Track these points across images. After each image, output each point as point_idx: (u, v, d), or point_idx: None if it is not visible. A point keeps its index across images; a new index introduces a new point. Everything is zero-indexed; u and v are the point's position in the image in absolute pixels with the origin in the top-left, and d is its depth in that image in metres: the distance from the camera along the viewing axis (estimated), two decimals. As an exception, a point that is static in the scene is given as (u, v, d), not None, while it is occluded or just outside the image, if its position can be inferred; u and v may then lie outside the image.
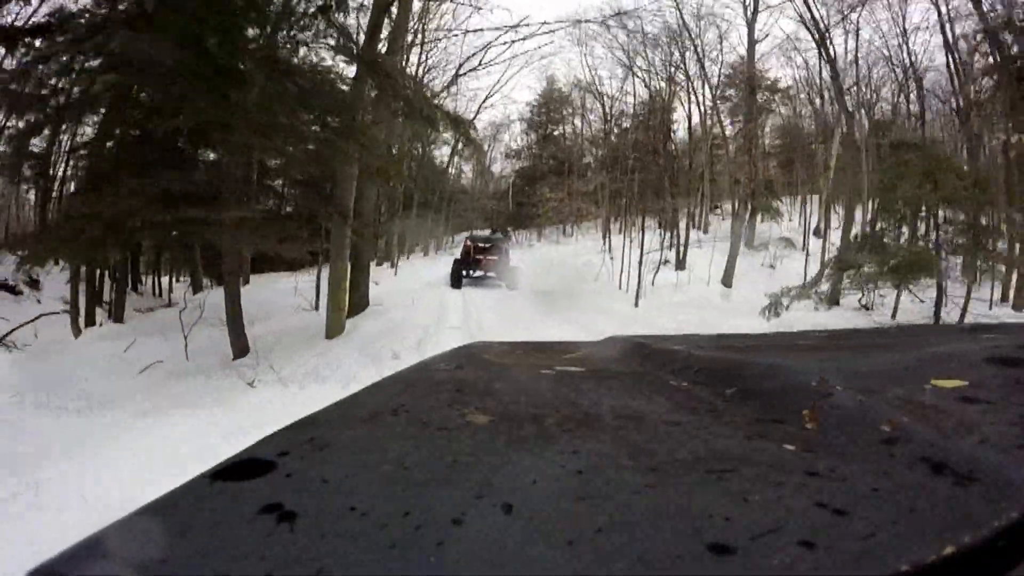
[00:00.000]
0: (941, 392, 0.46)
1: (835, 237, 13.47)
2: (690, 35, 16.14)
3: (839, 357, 0.64)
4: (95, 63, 7.52)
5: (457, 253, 14.78)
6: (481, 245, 13.72)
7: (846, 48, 15.11)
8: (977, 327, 1.02)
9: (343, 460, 0.40)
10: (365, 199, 9.19)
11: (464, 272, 12.89)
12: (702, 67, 16.45)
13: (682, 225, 16.26)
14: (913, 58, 14.24)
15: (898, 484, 0.32)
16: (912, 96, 14.85)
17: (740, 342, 0.89)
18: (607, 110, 19.98)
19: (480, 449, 0.42)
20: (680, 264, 15.01)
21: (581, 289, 12.67)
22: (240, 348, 7.25)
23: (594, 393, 0.58)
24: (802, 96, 17.95)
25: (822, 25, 13.93)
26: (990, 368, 0.54)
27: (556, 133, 22.32)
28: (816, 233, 15.45)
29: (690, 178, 17.48)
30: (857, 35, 14.76)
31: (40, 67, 7.80)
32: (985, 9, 11.54)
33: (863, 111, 15.32)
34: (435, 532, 0.29)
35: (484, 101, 18.61)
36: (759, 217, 15.13)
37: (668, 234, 15.83)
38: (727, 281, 13.42)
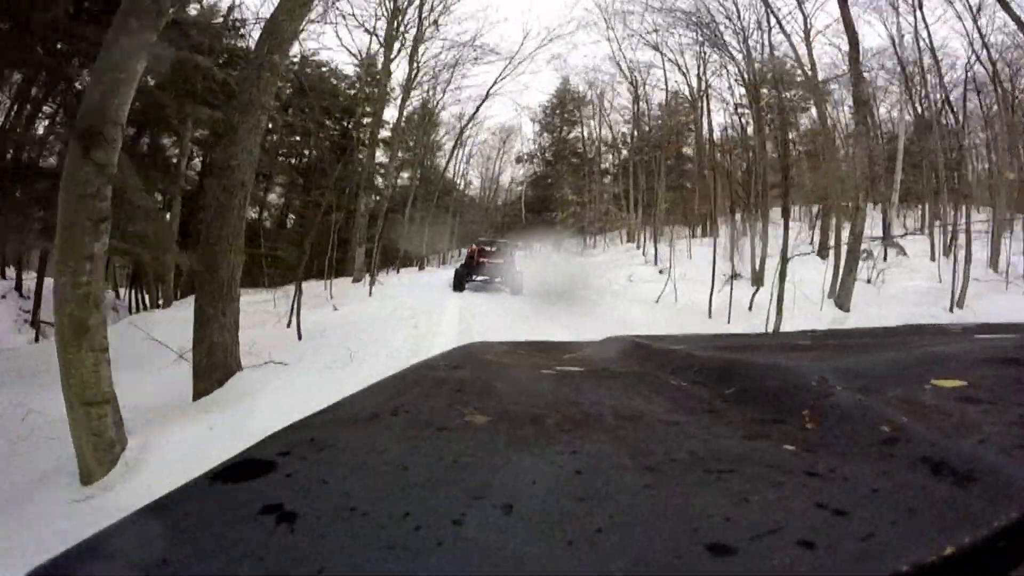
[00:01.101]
0: (941, 392, 0.46)
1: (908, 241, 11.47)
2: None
3: (839, 357, 0.64)
4: None
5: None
6: (487, 249, 13.67)
7: (899, 29, 13.14)
8: (977, 327, 1.02)
9: (343, 460, 0.40)
10: (237, 142, 5.10)
11: (467, 276, 12.83)
12: (771, 34, 13.34)
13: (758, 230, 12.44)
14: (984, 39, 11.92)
15: (898, 484, 0.32)
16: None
17: (739, 342, 0.89)
18: (637, 92, 17.65)
19: (480, 449, 0.42)
20: (757, 279, 11.51)
21: (641, 317, 9.33)
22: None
23: (594, 393, 0.58)
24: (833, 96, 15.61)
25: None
26: (990, 368, 0.54)
27: (572, 136, 20.91)
28: (886, 240, 13.03)
29: (761, 175, 14.43)
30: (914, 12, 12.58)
31: None
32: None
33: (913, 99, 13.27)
34: (435, 532, 0.29)
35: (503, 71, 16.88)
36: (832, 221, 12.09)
37: (745, 241, 12.30)
38: (842, 303, 10.14)
